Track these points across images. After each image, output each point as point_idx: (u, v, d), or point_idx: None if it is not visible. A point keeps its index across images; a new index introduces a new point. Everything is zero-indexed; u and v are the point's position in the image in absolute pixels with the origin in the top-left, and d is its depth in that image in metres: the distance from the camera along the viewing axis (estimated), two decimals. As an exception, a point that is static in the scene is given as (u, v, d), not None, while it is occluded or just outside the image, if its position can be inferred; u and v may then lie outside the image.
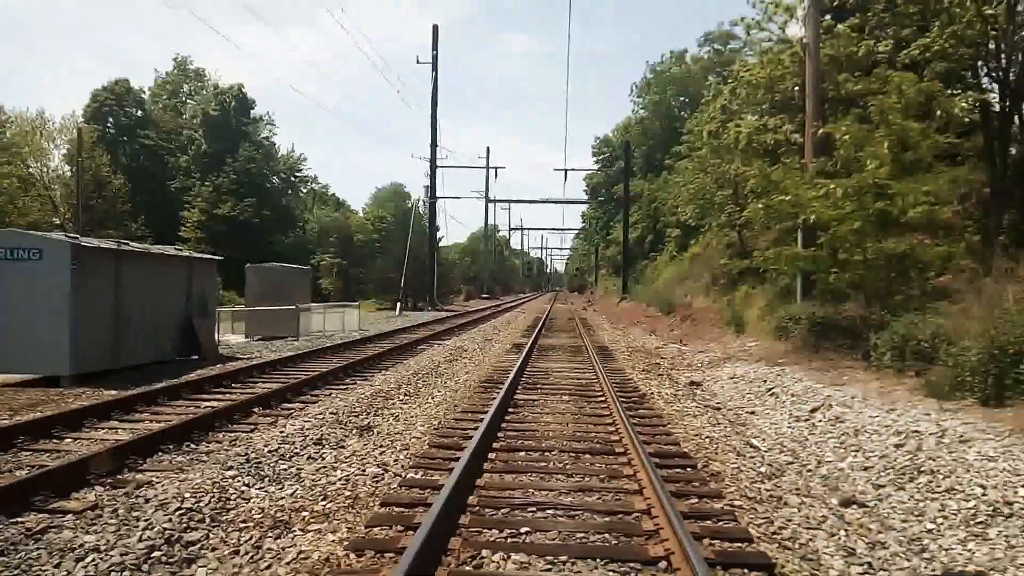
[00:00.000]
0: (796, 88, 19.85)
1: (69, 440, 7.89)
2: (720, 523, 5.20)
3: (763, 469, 6.92)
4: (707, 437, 8.20)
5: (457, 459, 6.43)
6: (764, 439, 8.40)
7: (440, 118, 48.68)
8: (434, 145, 49.29)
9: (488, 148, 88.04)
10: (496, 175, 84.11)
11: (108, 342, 12.79)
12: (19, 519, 5.26)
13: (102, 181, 42.63)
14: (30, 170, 40.17)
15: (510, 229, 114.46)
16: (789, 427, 8.98)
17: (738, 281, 23.85)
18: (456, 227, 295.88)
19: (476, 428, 7.72)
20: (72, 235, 13.54)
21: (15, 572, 4.40)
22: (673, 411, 9.77)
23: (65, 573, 4.41)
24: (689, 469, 6.67)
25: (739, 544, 4.82)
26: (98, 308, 12.48)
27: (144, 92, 64.03)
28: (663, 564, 4.48)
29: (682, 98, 55.71)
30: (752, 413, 10.06)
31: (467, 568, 4.47)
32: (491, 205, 74.51)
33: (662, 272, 42.50)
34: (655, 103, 58.70)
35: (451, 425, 8.54)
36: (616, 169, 63.06)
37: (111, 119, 57.70)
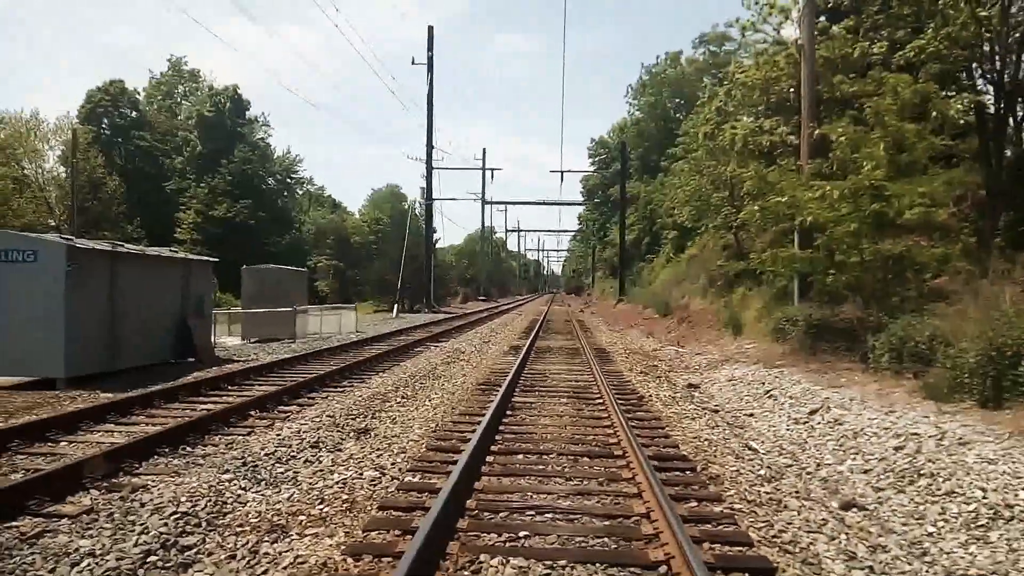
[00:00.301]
0: (791, 90, 19.88)
1: (64, 443, 7.84)
2: (720, 527, 5.17)
3: (762, 472, 6.90)
4: (706, 440, 8.18)
5: (455, 462, 6.39)
6: (763, 442, 8.38)
7: (437, 118, 48.93)
8: (430, 147, 49.31)
9: (484, 150, 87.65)
10: (492, 176, 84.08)
11: (104, 344, 12.72)
12: (14, 523, 5.21)
13: (97, 182, 42.43)
14: (24, 171, 39.86)
15: (507, 231, 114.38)
16: (788, 429, 8.97)
17: (735, 283, 23.85)
18: (453, 229, 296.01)
19: (474, 431, 7.68)
20: (67, 237, 13.47)
21: (10, 578, 4.36)
22: (672, 413, 9.75)
23: (60, 578, 4.36)
24: (688, 472, 6.64)
25: (739, 548, 4.80)
26: (94, 310, 12.42)
27: (139, 93, 63.80)
28: (663, 568, 4.46)
29: (677, 100, 55.78)
30: (750, 415, 10.05)
31: (465, 573, 4.44)
32: (488, 207, 74.48)
33: (659, 274, 42.51)
34: (650, 105, 58.77)
35: (449, 428, 8.51)
36: (612, 171, 63.17)
37: (106, 120, 57.43)
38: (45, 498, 5.66)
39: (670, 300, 30.59)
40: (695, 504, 5.68)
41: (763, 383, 11.85)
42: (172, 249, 18.23)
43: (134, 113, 59.78)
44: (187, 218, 53.86)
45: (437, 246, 58.35)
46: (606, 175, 68.16)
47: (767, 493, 6.17)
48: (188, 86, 69.89)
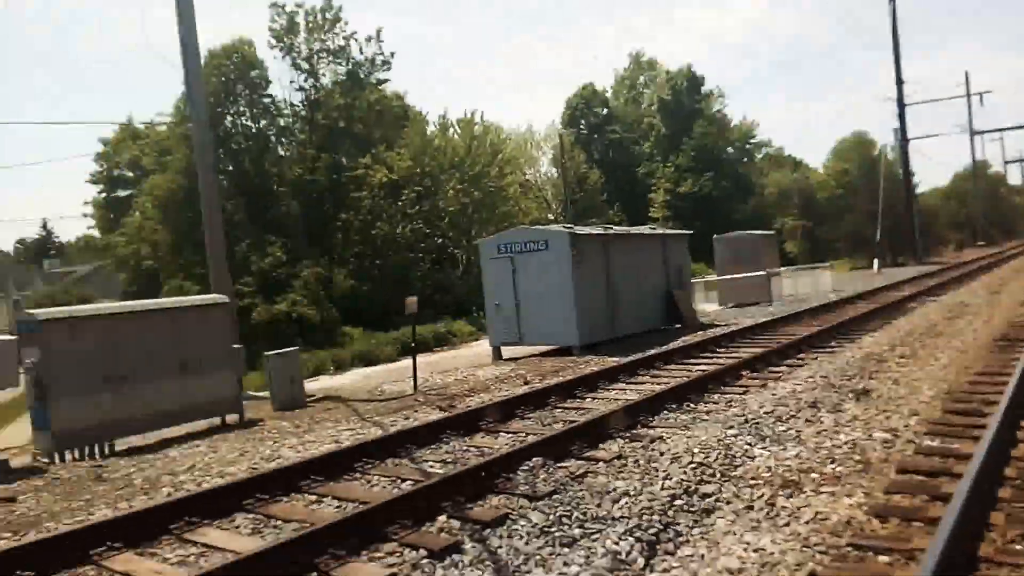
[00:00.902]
0: None
1: (589, 399, 9.13)
2: None
3: None
4: None
5: (982, 426, 5.75)
6: None
7: (905, 48, 43.91)
8: (899, 82, 44.32)
9: (967, 73, 75.03)
10: (982, 101, 71.74)
11: (605, 315, 14.44)
12: (563, 464, 6.24)
13: (582, 177, 48.28)
14: (526, 176, 47.50)
15: (1005, 162, 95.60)
16: None
17: None
18: (934, 169, 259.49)
19: (1000, 392, 6.78)
20: (568, 226, 15.56)
21: (568, 508, 5.20)
22: None
23: (605, 512, 5.06)
24: None
25: None
26: (594, 286, 14.21)
27: (607, 91, 70.05)
28: None
29: None
30: None
31: (1017, 547, 3.95)
32: (977, 138, 63.55)
33: None
34: None
35: (966, 389, 7.61)
36: None
37: (583, 121, 64.57)
38: (584, 444, 6.68)
39: None
40: None
41: None
42: (651, 227, 19.63)
43: (605, 110, 65.95)
44: (658, 197, 57.51)
45: (917, 191, 52.00)
46: None
47: None
48: (647, 75, 74.20)
